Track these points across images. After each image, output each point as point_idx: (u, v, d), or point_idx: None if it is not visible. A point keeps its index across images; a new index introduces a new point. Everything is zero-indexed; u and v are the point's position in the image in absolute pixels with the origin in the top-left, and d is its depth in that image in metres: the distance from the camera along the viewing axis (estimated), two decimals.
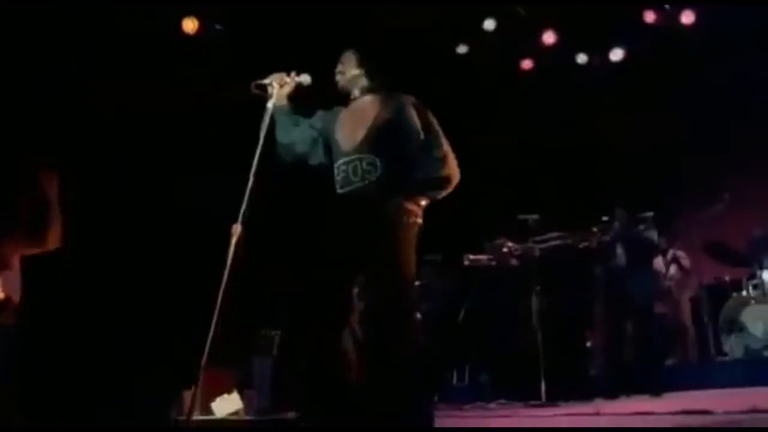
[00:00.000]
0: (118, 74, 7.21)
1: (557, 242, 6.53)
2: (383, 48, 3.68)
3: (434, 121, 3.40)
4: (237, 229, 3.17)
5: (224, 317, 3.14)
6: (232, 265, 3.17)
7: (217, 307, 3.11)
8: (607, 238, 6.57)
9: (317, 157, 3.56)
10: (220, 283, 3.14)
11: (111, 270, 7.08)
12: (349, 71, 3.54)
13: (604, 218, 6.63)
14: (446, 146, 3.37)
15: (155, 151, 7.57)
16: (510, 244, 6.78)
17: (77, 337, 6.68)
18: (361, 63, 3.54)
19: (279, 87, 3.54)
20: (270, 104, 3.50)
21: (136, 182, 7.46)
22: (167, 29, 7.52)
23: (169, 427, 5.63)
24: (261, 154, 3.33)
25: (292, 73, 3.59)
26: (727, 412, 3.71)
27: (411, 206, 3.22)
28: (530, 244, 6.56)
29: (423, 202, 3.27)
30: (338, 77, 3.58)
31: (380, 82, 3.54)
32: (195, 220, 7.16)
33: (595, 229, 6.56)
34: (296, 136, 3.55)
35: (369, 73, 3.53)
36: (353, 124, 3.45)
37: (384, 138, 3.35)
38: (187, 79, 7.59)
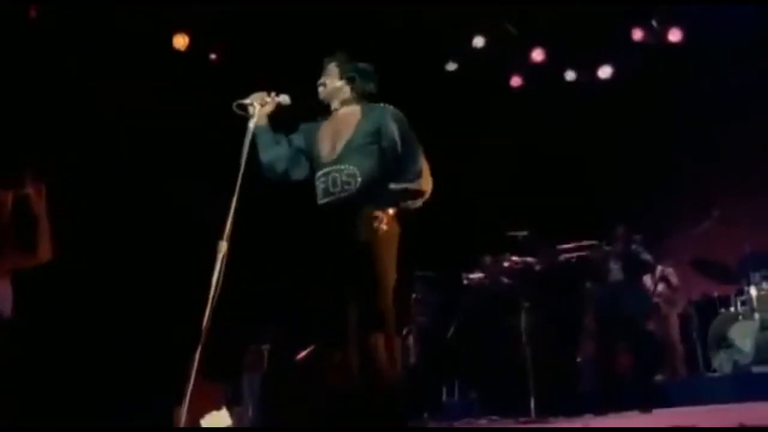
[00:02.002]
0: (118, 74, 7.21)
1: (550, 257, 6.54)
2: (367, 59, 3.67)
3: (412, 134, 3.43)
4: (223, 246, 3.16)
5: (212, 333, 3.12)
6: (218, 281, 3.16)
7: (205, 324, 3.10)
8: (601, 254, 6.61)
9: (299, 172, 3.62)
10: (208, 299, 3.13)
11: (105, 276, 7.04)
12: (331, 83, 3.59)
13: (592, 239, 6.66)
14: (422, 159, 3.40)
15: (156, 152, 7.56)
16: (499, 260, 6.79)
17: (70, 345, 6.64)
18: (343, 75, 3.58)
19: (260, 107, 3.57)
20: (251, 124, 3.52)
21: (134, 183, 7.44)
22: (166, 34, 7.56)
23: (168, 427, 5.60)
24: (244, 172, 3.34)
25: (273, 94, 3.63)
26: (716, 428, 3.71)
27: (383, 214, 3.24)
28: (520, 260, 6.58)
29: (391, 211, 3.30)
30: (320, 89, 3.63)
31: (362, 93, 3.58)
32: (192, 223, 7.14)
33: (589, 244, 6.60)
34: (277, 153, 3.60)
35: (351, 85, 3.57)
36: (333, 136, 3.49)
37: (363, 150, 3.40)
38: (186, 83, 7.60)
